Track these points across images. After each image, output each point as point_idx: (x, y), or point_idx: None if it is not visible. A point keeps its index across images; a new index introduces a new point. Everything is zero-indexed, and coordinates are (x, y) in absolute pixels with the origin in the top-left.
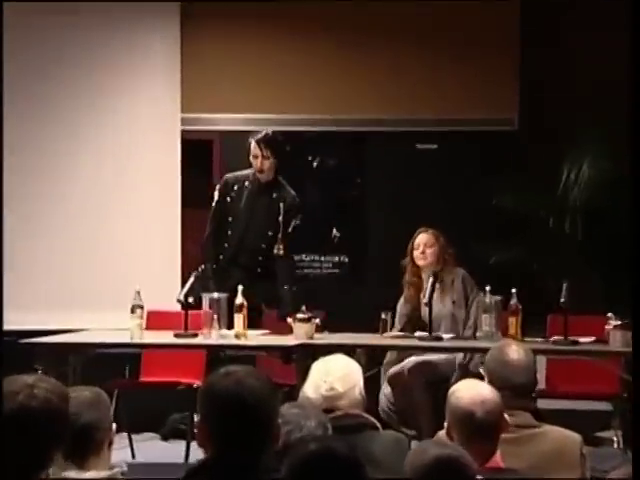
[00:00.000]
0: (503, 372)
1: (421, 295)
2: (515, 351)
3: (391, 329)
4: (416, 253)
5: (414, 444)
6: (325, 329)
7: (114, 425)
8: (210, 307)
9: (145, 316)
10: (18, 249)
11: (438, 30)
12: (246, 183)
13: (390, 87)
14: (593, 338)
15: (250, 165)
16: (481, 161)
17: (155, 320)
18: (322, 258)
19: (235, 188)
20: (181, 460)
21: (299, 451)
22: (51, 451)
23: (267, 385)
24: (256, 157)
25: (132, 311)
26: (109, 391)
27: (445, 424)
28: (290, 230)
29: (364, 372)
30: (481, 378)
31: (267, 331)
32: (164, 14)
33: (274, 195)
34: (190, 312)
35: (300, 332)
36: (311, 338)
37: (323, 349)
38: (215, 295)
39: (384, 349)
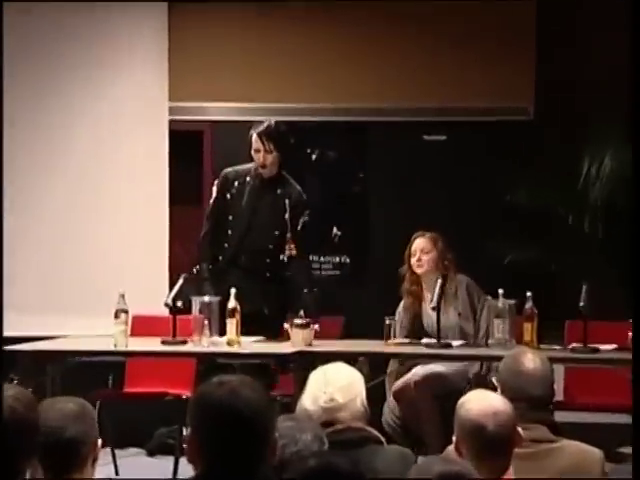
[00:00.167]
0: (517, 382)
1: (423, 302)
2: (531, 360)
3: (394, 337)
4: (412, 260)
5: (420, 460)
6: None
7: (99, 440)
8: (201, 312)
9: (130, 321)
10: None
11: (441, 14)
12: (247, 178)
13: (396, 74)
14: (615, 346)
15: (249, 158)
16: (493, 153)
17: (141, 326)
18: (322, 259)
19: (235, 184)
20: (169, 477)
21: (298, 467)
22: (19, 464)
23: (264, 396)
24: (258, 151)
25: (116, 316)
26: (91, 402)
27: (453, 438)
28: (299, 228)
29: (367, 382)
30: (494, 389)
31: (262, 338)
32: None
33: (278, 191)
34: (179, 317)
35: (297, 339)
36: (309, 345)
37: (322, 357)
38: (206, 299)
39: (389, 357)
